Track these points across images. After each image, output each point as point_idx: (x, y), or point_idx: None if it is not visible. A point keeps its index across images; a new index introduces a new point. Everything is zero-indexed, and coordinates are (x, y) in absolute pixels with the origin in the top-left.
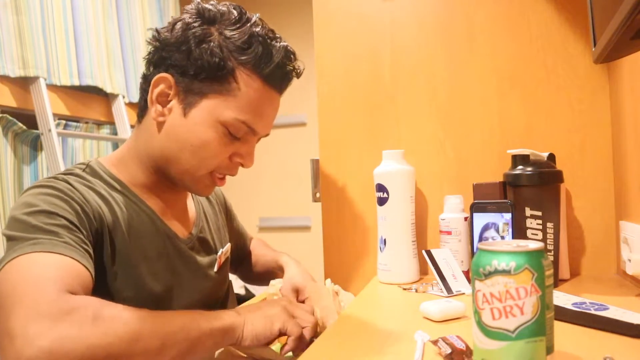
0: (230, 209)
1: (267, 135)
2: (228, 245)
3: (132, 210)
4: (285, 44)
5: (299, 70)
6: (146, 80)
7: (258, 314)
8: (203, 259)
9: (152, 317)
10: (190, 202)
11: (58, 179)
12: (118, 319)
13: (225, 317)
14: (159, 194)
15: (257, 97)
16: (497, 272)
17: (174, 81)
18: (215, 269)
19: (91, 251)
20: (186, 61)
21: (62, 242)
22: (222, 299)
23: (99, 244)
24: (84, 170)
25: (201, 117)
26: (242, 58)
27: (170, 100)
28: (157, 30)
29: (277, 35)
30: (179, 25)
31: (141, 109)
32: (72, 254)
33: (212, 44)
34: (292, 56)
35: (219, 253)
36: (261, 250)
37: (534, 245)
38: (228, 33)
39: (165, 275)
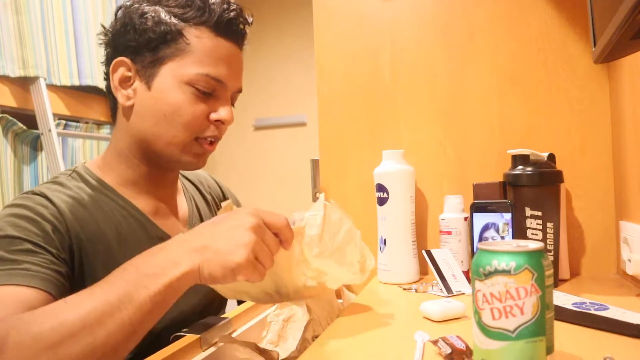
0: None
1: (239, 90)
2: None
3: (120, 216)
4: None
5: (247, 19)
6: (108, 77)
7: (218, 259)
8: None
9: (73, 312)
10: (182, 200)
11: (35, 193)
12: (25, 341)
13: (171, 270)
14: (150, 190)
15: (212, 47)
16: (497, 272)
17: (130, 62)
18: None
19: (62, 269)
20: (134, 37)
21: (21, 270)
22: (220, 298)
23: (77, 259)
24: (69, 175)
25: (165, 84)
26: (185, 16)
27: (133, 82)
28: (102, 27)
29: None
30: (120, 12)
31: (112, 108)
32: (29, 281)
33: (152, 13)
34: (235, 6)
35: None
36: None
37: (534, 245)
38: (168, 2)
39: None
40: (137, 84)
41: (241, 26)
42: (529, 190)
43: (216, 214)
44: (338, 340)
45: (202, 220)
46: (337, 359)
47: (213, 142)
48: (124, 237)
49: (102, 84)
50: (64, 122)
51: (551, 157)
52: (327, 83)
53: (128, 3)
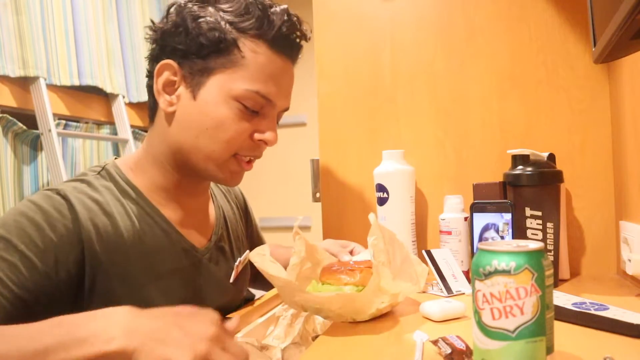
0: (250, 212)
1: (287, 109)
2: (247, 253)
3: (145, 224)
4: (285, 6)
5: (306, 34)
6: (151, 77)
7: (158, 351)
8: (220, 270)
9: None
10: (212, 208)
11: (59, 193)
12: None
13: (101, 343)
14: (180, 198)
15: (266, 64)
16: (497, 272)
17: (177, 66)
18: (232, 279)
19: (38, 290)
20: (185, 41)
21: None
22: (234, 307)
23: (88, 272)
24: (98, 173)
25: (212, 96)
26: (243, 25)
27: (178, 88)
28: (152, 23)
29: (275, 3)
30: (172, 9)
31: (151, 108)
32: None
33: (208, 17)
34: (295, 19)
35: (237, 262)
36: (278, 251)
37: (534, 245)
38: (224, 6)
39: (179, 292)
40: (182, 90)
41: (297, 40)
42: (529, 190)
43: (242, 221)
44: (338, 340)
45: (228, 230)
46: (336, 359)
47: (251, 161)
48: (147, 248)
49: (102, 84)
50: (64, 122)
51: (551, 157)
52: (327, 83)
53: (182, 2)
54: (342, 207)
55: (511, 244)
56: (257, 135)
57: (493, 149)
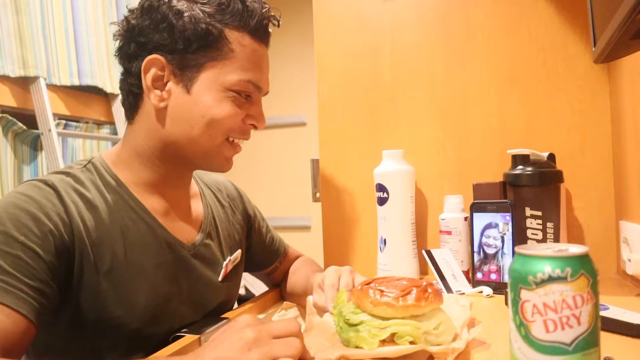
0: (252, 214)
1: (267, 92)
2: (238, 252)
3: (129, 220)
4: None
5: (279, 20)
6: (130, 75)
7: None
8: (206, 267)
9: None
10: (198, 204)
11: (47, 184)
12: None
13: None
14: (164, 191)
15: (251, 53)
16: (551, 279)
17: (165, 61)
18: (220, 277)
19: (50, 281)
20: (171, 37)
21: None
22: (228, 308)
23: (77, 264)
24: (84, 167)
25: (207, 89)
26: (225, 18)
27: (167, 82)
28: (125, 18)
29: None
30: (147, 5)
31: (130, 107)
32: (3, 298)
33: (192, 12)
34: (267, 7)
35: (226, 261)
36: (303, 269)
37: (583, 248)
38: (202, 0)
39: (163, 287)
40: (172, 85)
41: (270, 28)
42: (529, 190)
43: (237, 221)
44: None
45: (217, 229)
46: None
47: (239, 145)
48: (131, 243)
49: (102, 84)
50: (64, 122)
51: (551, 157)
52: (327, 83)
53: None
54: (342, 207)
55: (552, 247)
56: (248, 120)
57: (493, 149)
